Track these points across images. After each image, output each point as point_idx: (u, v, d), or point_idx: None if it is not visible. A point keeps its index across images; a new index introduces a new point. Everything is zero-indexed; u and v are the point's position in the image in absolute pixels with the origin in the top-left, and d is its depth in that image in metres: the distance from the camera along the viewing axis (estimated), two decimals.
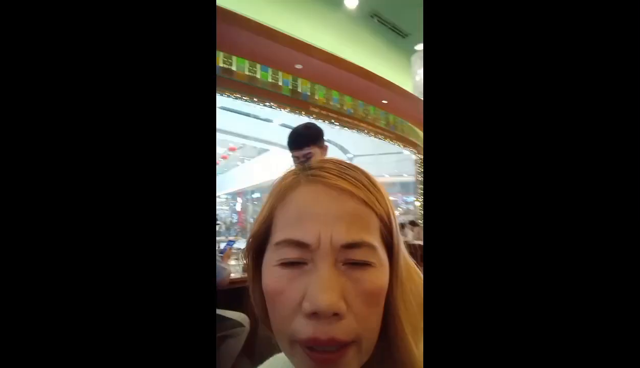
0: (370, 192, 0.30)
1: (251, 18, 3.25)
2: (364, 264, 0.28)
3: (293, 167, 0.34)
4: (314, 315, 0.25)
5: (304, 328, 0.26)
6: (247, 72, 3.85)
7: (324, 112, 4.54)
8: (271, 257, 0.29)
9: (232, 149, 6.84)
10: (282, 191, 0.31)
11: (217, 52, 3.61)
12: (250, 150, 7.08)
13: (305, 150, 1.39)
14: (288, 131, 1.50)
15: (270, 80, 4.08)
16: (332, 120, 4.63)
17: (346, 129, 4.87)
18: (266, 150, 6.68)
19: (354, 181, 0.30)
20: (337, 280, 0.26)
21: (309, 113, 4.40)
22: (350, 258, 0.27)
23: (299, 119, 4.77)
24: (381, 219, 0.30)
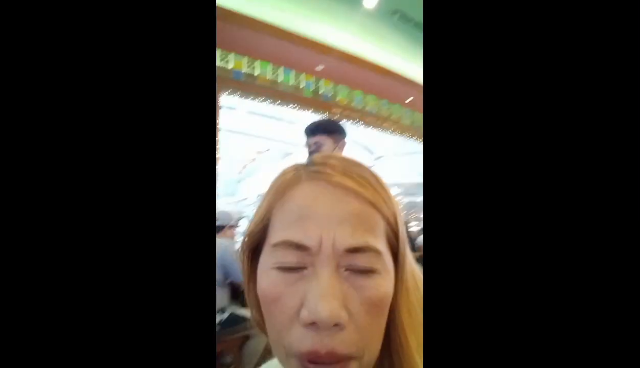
0: (376, 191, 0.28)
1: (271, 23, 3.31)
2: (368, 271, 0.26)
3: (295, 163, 0.32)
4: (313, 325, 0.23)
5: (302, 339, 0.24)
6: (269, 77, 3.93)
7: (347, 112, 4.51)
8: (267, 260, 0.27)
9: (259, 153, 7.01)
10: (282, 188, 0.29)
11: (240, 57, 3.71)
12: (276, 153, 7.20)
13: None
14: None
15: (292, 83, 4.13)
16: (356, 120, 4.60)
17: (370, 128, 4.81)
18: (290, 153, 6.77)
19: (359, 179, 0.28)
20: (338, 288, 0.24)
21: (332, 114, 4.40)
22: (354, 263, 0.25)
23: None
24: (387, 222, 0.28)
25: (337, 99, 4.49)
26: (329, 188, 0.27)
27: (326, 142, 1.33)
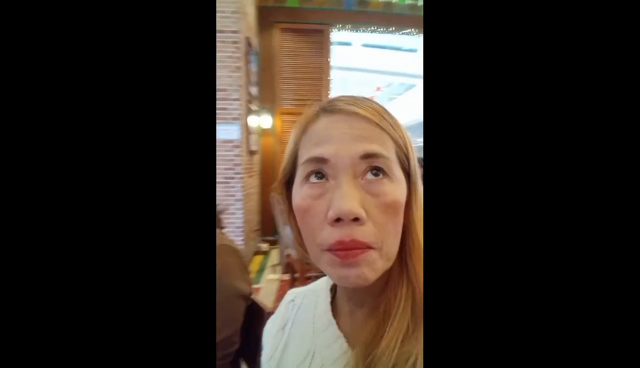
0: (384, 119, 0.32)
1: None
2: (380, 176, 0.30)
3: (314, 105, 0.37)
4: (338, 221, 0.29)
5: (330, 234, 0.29)
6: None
7: None
8: (298, 180, 0.33)
9: (378, 89, 6.75)
10: (304, 125, 0.34)
11: None
12: (397, 87, 6.79)
13: None
14: None
15: (408, 1, 3.61)
16: None
17: None
18: (413, 85, 6.23)
19: (368, 109, 0.32)
20: (356, 192, 0.30)
21: None
22: (368, 168, 0.30)
23: None
24: (397, 144, 0.32)
25: None
26: (343, 116, 0.32)
27: None
